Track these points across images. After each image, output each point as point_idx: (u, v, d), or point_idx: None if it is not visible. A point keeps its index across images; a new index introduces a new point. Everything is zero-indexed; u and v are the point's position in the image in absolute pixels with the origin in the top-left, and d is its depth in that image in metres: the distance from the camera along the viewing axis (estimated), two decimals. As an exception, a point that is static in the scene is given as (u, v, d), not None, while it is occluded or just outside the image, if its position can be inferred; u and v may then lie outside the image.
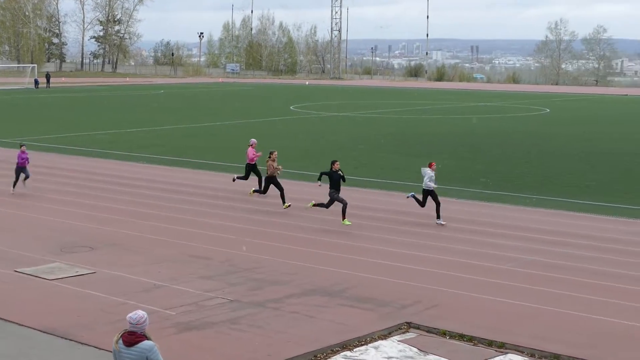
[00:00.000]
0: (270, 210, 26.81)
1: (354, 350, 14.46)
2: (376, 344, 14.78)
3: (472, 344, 14.91)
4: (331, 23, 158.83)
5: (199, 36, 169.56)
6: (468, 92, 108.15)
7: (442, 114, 69.57)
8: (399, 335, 15.26)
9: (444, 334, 15.31)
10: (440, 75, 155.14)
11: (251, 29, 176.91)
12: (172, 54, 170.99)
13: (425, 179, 24.78)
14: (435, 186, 24.87)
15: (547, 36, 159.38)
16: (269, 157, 27.29)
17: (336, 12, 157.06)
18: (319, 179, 25.41)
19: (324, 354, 14.20)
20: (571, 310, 16.73)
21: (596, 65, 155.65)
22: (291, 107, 73.88)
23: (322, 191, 26.19)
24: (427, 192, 24.86)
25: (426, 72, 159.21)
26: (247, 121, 59.98)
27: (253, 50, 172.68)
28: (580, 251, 21.76)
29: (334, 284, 18.28)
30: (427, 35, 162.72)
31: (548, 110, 75.10)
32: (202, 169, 36.17)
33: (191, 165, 37.20)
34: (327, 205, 25.00)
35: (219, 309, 16.39)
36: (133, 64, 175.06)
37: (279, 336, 14.85)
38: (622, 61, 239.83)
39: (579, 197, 29.60)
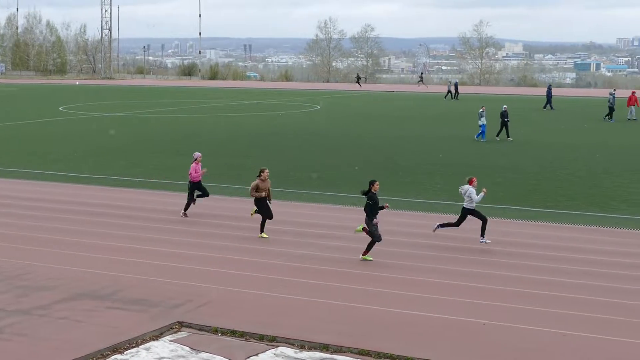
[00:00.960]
0: (39, 215, 25.95)
1: (125, 352, 14.26)
2: (147, 345, 14.64)
3: (243, 339, 15.05)
4: (101, 22, 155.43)
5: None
6: (242, 90, 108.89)
7: (215, 112, 69.65)
8: (170, 335, 15.19)
9: (215, 331, 15.37)
10: (214, 74, 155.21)
11: (17, 28, 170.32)
12: None
13: (467, 198, 22.29)
14: (474, 205, 22.34)
15: (317, 35, 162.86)
16: (259, 176, 23.08)
17: (106, 11, 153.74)
18: (381, 207, 20.87)
19: (94, 359, 13.91)
20: (340, 301, 17.21)
21: (365, 63, 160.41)
22: (60, 108, 71.77)
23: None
24: (468, 211, 22.45)
25: (200, 71, 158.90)
26: (13, 124, 57.77)
27: (20, 49, 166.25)
28: (349, 243, 22.37)
29: (104, 287, 17.94)
30: (200, 34, 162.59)
31: (319, 107, 76.81)
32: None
33: (-48, 170, 35.46)
34: (378, 237, 20.78)
35: (-19, 319, 15.71)
36: None
37: (46, 344, 14.41)
38: (389, 59, 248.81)
39: (347, 191, 30.40)
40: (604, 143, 47.16)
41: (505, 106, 50.09)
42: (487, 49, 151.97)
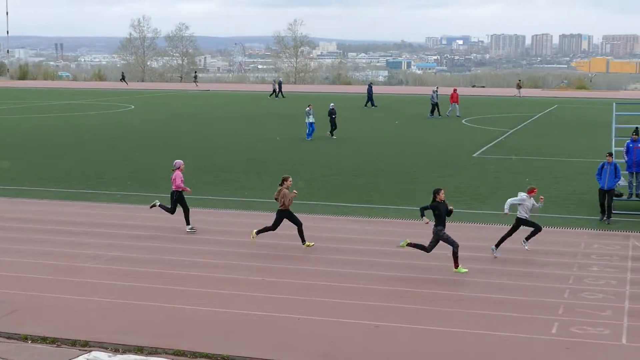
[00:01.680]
0: None
1: None
2: (-49, 357, 14.05)
3: (55, 345, 14.66)
4: None
5: None
6: (54, 90, 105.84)
7: (25, 113, 67.44)
8: (-24, 346, 14.62)
9: (25, 338, 14.90)
10: (24, 74, 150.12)
11: None
12: None
13: (524, 208, 21.15)
14: (527, 215, 21.19)
15: (130, 33, 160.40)
16: (282, 185, 21.73)
17: None
18: (423, 215, 19.78)
19: None
20: (155, 302, 17.01)
21: (180, 62, 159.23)
22: None
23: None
24: (522, 221, 21.27)
25: (8, 71, 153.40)
26: None
27: None
28: (164, 243, 22.17)
29: None
30: (8, 32, 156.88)
31: (133, 106, 75.63)
32: None
33: None
34: (429, 249, 19.88)
35: None
36: None
37: None
38: (205, 58, 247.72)
39: (163, 191, 30.03)
40: (420, 139, 48.62)
41: (332, 104, 50.66)
42: (301, 48, 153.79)
